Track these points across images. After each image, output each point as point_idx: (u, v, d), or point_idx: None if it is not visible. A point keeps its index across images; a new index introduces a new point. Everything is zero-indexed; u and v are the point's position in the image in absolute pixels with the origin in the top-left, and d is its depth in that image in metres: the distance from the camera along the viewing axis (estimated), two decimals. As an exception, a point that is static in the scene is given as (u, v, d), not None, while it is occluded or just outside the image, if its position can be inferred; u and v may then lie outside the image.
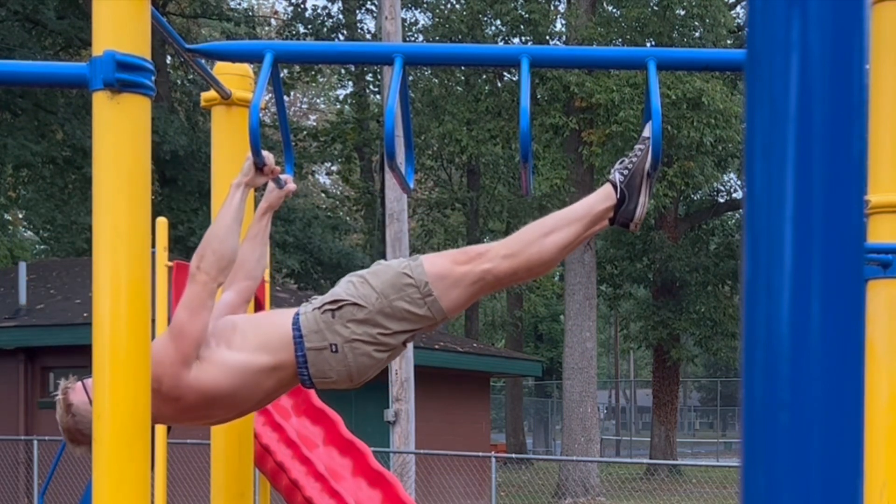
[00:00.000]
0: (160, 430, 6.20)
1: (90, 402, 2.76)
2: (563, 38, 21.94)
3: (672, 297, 25.49)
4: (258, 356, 2.83)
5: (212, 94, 3.24)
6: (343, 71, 27.96)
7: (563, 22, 21.74)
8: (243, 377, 2.82)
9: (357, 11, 26.44)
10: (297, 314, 2.88)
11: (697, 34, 21.09)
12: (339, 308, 2.84)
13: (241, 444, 3.31)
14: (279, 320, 2.89)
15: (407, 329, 2.87)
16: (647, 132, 2.78)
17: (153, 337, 2.33)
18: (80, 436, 2.86)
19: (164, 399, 2.80)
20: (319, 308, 2.85)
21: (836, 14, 0.90)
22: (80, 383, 2.86)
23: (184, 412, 2.85)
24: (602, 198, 2.87)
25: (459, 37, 20.16)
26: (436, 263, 2.88)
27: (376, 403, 14.42)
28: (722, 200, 28.48)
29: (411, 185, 2.70)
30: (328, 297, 2.88)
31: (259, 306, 3.18)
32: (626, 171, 2.84)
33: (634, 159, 2.84)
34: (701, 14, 20.34)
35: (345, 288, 2.88)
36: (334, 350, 2.83)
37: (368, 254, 26.70)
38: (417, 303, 2.84)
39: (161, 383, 2.77)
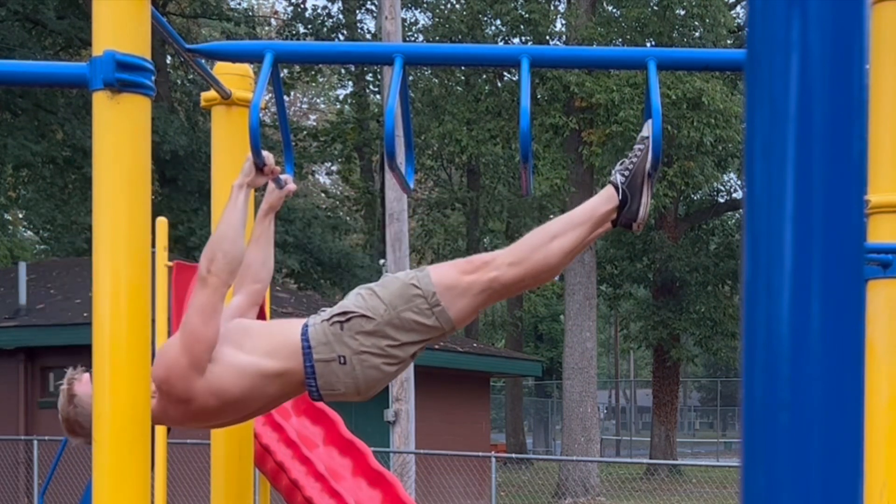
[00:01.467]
0: (160, 430, 6.20)
1: None
2: (563, 38, 21.94)
3: (672, 297, 25.49)
4: (266, 361, 2.84)
5: (212, 94, 3.24)
6: (343, 71, 27.96)
7: (563, 22, 21.74)
8: (252, 380, 2.83)
9: (357, 11, 26.44)
10: (306, 325, 2.88)
11: (697, 34, 21.09)
12: (348, 320, 2.84)
13: (241, 444, 3.31)
14: (289, 329, 2.90)
15: (415, 340, 2.87)
16: (645, 131, 2.78)
17: (153, 337, 2.33)
18: (79, 427, 2.87)
19: (173, 402, 2.81)
20: (328, 320, 2.86)
21: (836, 14, 0.90)
22: (87, 375, 2.87)
23: (192, 415, 2.85)
24: (604, 200, 2.87)
25: (459, 37, 20.16)
26: (443, 274, 2.88)
27: (376, 403, 14.41)
28: (722, 200, 28.49)
29: (411, 185, 2.70)
30: (337, 308, 2.89)
31: (260, 308, 3.17)
32: (626, 173, 2.84)
33: (635, 160, 2.84)
34: (701, 14, 20.34)
35: (353, 300, 2.89)
36: (343, 362, 2.83)
37: (368, 254, 26.71)
38: (425, 313, 2.84)
39: (172, 386, 2.77)
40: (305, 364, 2.83)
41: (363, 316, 2.84)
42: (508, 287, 2.90)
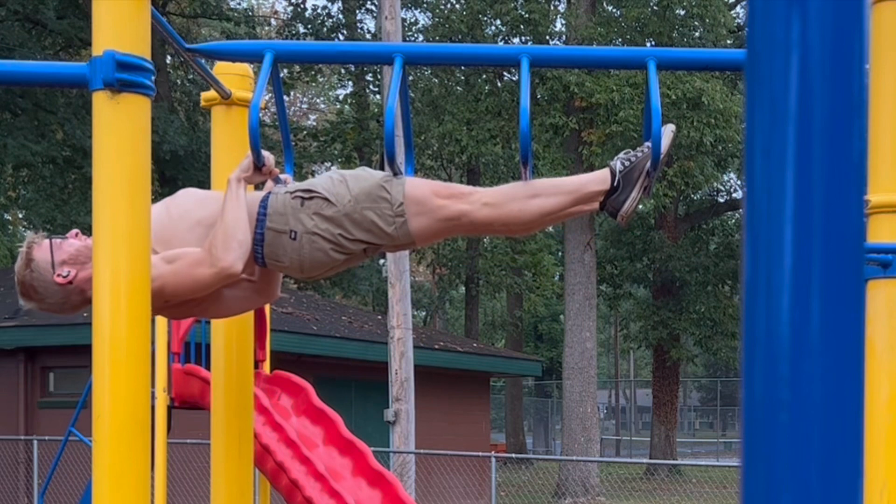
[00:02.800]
0: (160, 430, 6.21)
1: (52, 263, 2.79)
2: (563, 37, 21.95)
3: (672, 297, 25.50)
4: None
5: (212, 93, 3.24)
6: (343, 71, 27.96)
7: (563, 22, 21.74)
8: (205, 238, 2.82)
9: (357, 11, 26.44)
10: (270, 192, 2.87)
11: (697, 34, 21.10)
12: (311, 198, 2.82)
13: (241, 444, 3.31)
14: (252, 195, 2.88)
15: (368, 241, 2.84)
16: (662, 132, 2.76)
17: (153, 337, 2.33)
18: (34, 292, 2.85)
19: (168, 306, 2.83)
20: (292, 193, 2.84)
21: (836, 14, 0.90)
22: (47, 241, 2.86)
23: (186, 306, 2.86)
24: (597, 180, 2.85)
25: (459, 37, 20.16)
26: (417, 187, 2.85)
27: (376, 403, 14.43)
28: (722, 200, 28.49)
29: (411, 185, 2.70)
30: (304, 184, 2.87)
31: (261, 310, 3.17)
32: (627, 163, 2.83)
33: (639, 154, 2.83)
34: (701, 14, 20.35)
35: (322, 181, 2.87)
36: (293, 237, 2.82)
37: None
38: (386, 219, 2.82)
39: (165, 294, 2.77)
40: (256, 230, 2.82)
41: (326, 199, 2.82)
42: (477, 225, 2.87)
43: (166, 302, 2.79)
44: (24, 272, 2.85)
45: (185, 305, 2.87)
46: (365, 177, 2.87)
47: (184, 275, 2.74)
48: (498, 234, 2.99)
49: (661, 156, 2.64)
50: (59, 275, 2.81)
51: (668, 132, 2.73)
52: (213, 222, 2.82)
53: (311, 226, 2.81)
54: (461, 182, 28.92)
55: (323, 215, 2.81)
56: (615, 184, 2.81)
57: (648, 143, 2.80)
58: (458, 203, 2.82)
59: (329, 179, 2.86)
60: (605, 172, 2.84)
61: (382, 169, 3.02)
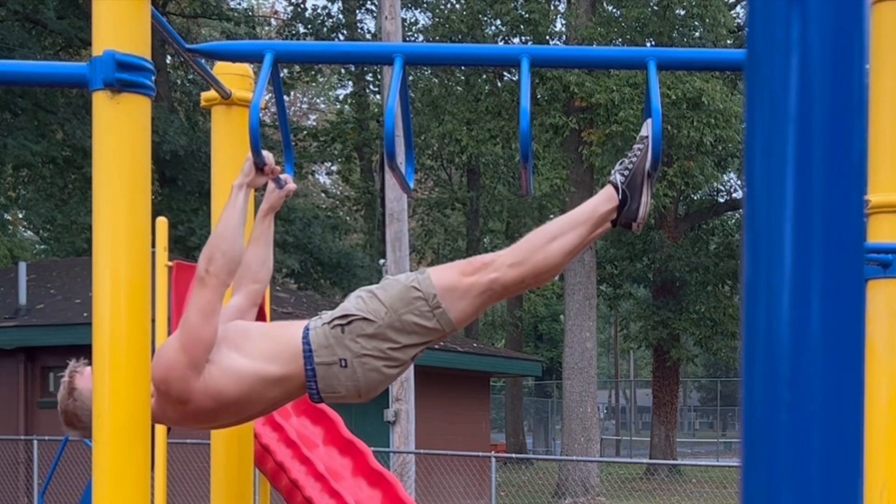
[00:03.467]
0: (160, 430, 6.20)
1: None
2: (563, 38, 21.94)
3: (672, 296, 25.50)
4: (267, 365, 2.83)
5: (212, 93, 3.24)
6: (343, 71, 27.95)
7: (563, 22, 21.74)
8: (251, 384, 2.82)
9: (357, 11, 26.44)
10: (307, 328, 2.88)
11: (697, 34, 21.10)
12: (349, 323, 2.84)
13: (241, 444, 3.31)
14: (290, 332, 2.89)
15: (416, 343, 2.87)
16: (644, 131, 2.79)
17: (153, 337, 2.33)
18: (77, 421, 2.86)
19: (171, 402, 2.81)
20: (329, 323, 2.85)
21: (836, 14, 0.90)
22: (88, 368, 2.87)
23: (190, 416, 2.85)
24: (604, 200, 2.87)
25: (459, 37, 20.16)
26: (443, 276, 2.88)
27: (376, 403, 14.40)
28: (722, 200, 28.49)
29: (411, 185, 2.70)
30: (338, 311, 2.88)
31: (260, 309, 3.17)
32: (626, 172, 2.84)
33: (634, 159, 2.84)
34: (701, 14, 20.34)
35: (354, 303, 2.88)
36: (344, 365, 2.83)
37: (368, 254, 26.70)
38: (426, 315, 2.84)
39: (169, 387, 2.76)
40: (306, 367, 2.83)
41: (364, 319, 2.83)
42: (509, 288, 2.90)
43: (197, 365, 2.77)
44: (66, 401, 2.88)
45: (220, 411, 2.85)
46: (392, 284, 2.90)
47: (190, 314, 2.75)
48: (530, 287, 3.03)
49: (660, 154, 2.65)
50: None
51: (650, 126, 2.75)
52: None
53: (357, 349, 2.83)
54: (461, 182, 28.94)
55: (366, 335, 2.83)
56: (622, 197, 2.83)
57: (638, 146, 2.82)
58: (486, 274, 2.85)
59: (359, 300, 2.88)
60: (609, 190, 2.86)
61: (382, 169, 3.03)
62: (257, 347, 2.84)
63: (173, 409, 2.82)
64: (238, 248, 2.77)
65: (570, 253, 2.88)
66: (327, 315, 2.89)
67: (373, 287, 2.93)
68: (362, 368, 2.84)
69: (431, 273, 2.89)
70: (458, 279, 2.86)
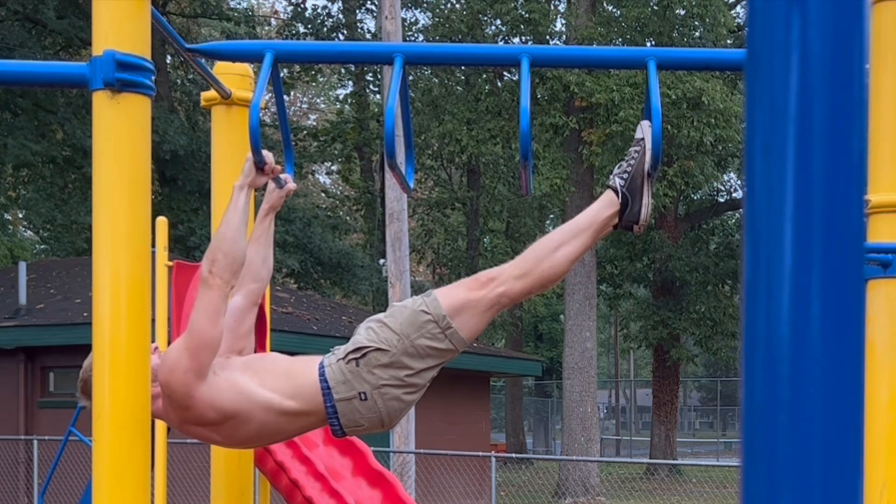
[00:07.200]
0: (160, 429, 6.20)
1: None
2: (563, 37, 21.94)
3: (672, 296, 25.49)
4: (287, 401, 2.85)
5: (212, 93, 3.24)
6: (343, 71, 27.96)
7: (563, 22, 21.74)
8: (260, 410, 2.84)
9: (357, 11, 26.45)
10: (322, 365, 2.88)
11: (697, 34, 21.10)
12: (364, 356, 2.85)
13: (241, 444, 3.30)
14: (305, 370, 2.89)
15: (431, 365, 2.88)
16: (639, 133, 2.80)
17: (153, 337, 2.33)
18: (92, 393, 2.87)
19: (172, 406, 2.81)
20: (343, 358, 2.86)
21: (836, 14, 0.90)
22: None
23: (190, 423, 2.85)
24: (605, 205, 2.89)
25: (459, 37, 20.16)
26: (450, 295, 2.89)
27: (376, 403, 14.40)
28: (722, 200, 28.50)
29: (411, 185, 2.70)
30: (351, 345, 2.89)
31: (260, 308, 3.16)
32: (625, 175, 2.85)
33: (633, 162, 2.85)
34: (701, 14, 20.34)
35: (365, 335, 2.89)
36: (364, 398, 2.84)
37: (368, 253, 26.69)
38: (438, 337, 2.85)
39: (173, 391, 2.76)
40: (326, 405, 2.84)
41: (378, 349, 2.84)
42: (515, 299, 2.93)
43: (203, 370, 2.76)
44: (90, 372, 2.86)
45: (219, 424, 2.86)
46: (400, 311, 2.91)
47: (196, 316, 2.75)
48: (536, 293, 3.05)
49: (660, 154, 2.65)
50: None
51: (645, 128, 2.76)
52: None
53: (375, 381, 2.84)
54: (461, 182, 28.94)
55: (382, 364, 2.84)
56: (623, 200, 2.84)
57: (635, 148, 2.83)
58: (493, 289, 2.87)
59: (370, 331, 2.89)
60: (610, 194, 2.88)
61: (382, 169, 3.04)
62: (276, 383, 2.85)
63: (175, 412, 2.83)
64: (240, 249, 2.77)
65: (574, 260, 2.91)
66: (340, 350, 2.90)
67: (381, 316, 2.94)
68: (382, 399, 2.85)
69: (438, 294, 2.91)
70: (466, 297, 2.88)
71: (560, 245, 2.87)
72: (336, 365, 2.86)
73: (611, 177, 2.90)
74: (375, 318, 2.94)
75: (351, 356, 2.85)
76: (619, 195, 2.85)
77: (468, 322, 2.87)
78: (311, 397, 2.85)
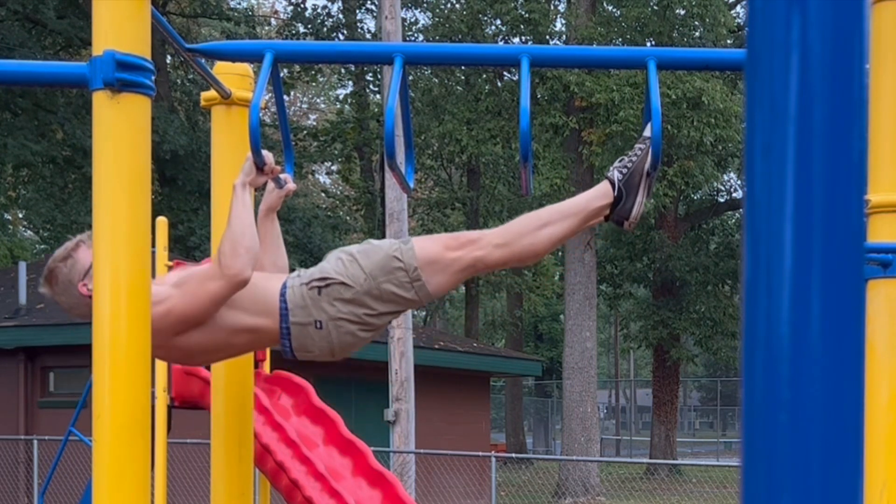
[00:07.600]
0: (160, 429, 6.21)
1: (86, 271, 2.81)
2: (563, 37, 21.95)
3: (672, 296, 25.50)
4: (243, 315, 2.84)
5: (212, 93, 3.23)
6: (343, 71, 27.96)
7: (563, 22, 21.75)
8: (224, 331, 2.83)
9: (357, 11, 26.44)
10: (285, 286, 2.87)
11: (697, 34, 21.10)
12: (327, 286, 2.84)
13: (241, 444, 3.31)
14: (268, 285, 2.88)
15: (391, 310, 2.88)
16: (647, 132, 2.79)
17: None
18: (54, 282, 2.91)
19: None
20: (307, 284, 2.85)
21: (836, 14, 0.90)
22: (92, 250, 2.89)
23: (159, 350, 2.86)
24: (599, 195, 2.87)
25: (459, 37, 20.16)
26: (427, 248, 2.87)
27: (376, 403, 14.42)
28: (722, 200, 28.51)
29: (411, 185, 2.70)
30: (317, 272, 2.87)
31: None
32: (625, 170, 2.85)
33: (634, 158, 2.84)
34: (701, 14, 20.35)
35: (334, 265, 2.88)
36: (319, 327, 2.84)
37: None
38: (405, 286, 2.84)
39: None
40: (281, 325, 2.84)
41: (342, 283, 2.83)
42: (490, 267, 2.92)
43: (176, 334, 2.78)
44: (58, 262, 2.88)
45: (196, 350, 2.86)
46: (374, 250, 2.88)
47: (196, 293, 2.74)
48: (510, 267, 3.04)
49: (660, 154, 2.65)
50: (84, 284, 2.84)
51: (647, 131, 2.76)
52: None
53: (333, 312, 2.83)
54: (461, 182, 28.93)
55: (343, 299, 2.83)
56: (617, 194, 2.83)
57: (640, 145, 2.82)
58: (471, 251, 2.85)
59: (339, 262, 2.87)
60: (606, 185, 2.86)
61: (382, 169, 3.04)
62: (239, 295, 2.83)
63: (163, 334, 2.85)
64: (258, 246, 2.78)
65: (556, 242, 2.88)
66: (306, 274, 2.88)
67: (354, 249, 2.92)
68: (337, 331, 2.84)
69: (415, 243, 2.88)
70: (441, 253, 2.85)
71: (546, 224, 2.85)
72: (298, 288, 2.85)
73: (611, 168, 2.89)
74: (347, 249, 2.92)
75: (315, 283, 2.84)
76: (615, 188, 2.85)
77: (438, 279, 2.85)
78: (267, 313, 2.84)
